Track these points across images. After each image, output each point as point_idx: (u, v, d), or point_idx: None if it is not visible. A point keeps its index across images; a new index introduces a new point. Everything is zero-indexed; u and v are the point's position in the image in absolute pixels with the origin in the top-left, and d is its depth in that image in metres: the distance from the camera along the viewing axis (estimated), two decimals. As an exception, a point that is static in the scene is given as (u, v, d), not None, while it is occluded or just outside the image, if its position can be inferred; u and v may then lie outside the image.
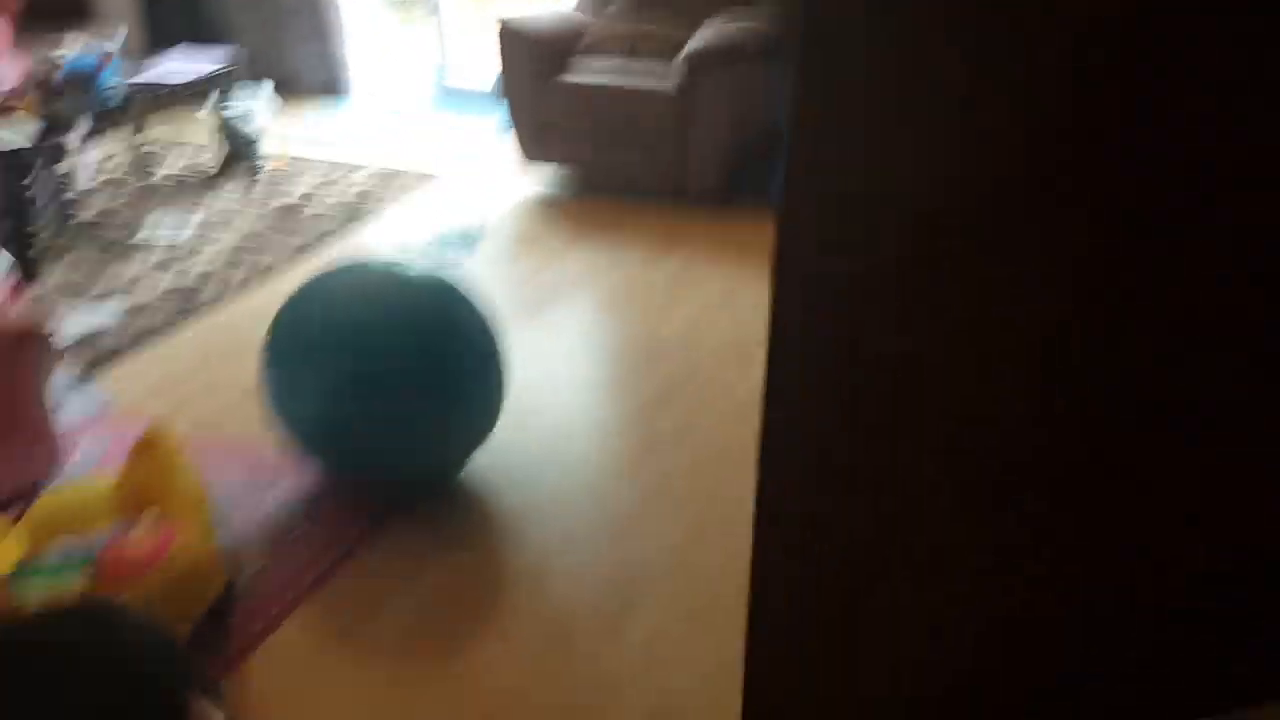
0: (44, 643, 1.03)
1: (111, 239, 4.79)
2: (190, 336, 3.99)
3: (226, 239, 4.77)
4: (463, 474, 3.12)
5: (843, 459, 1.18)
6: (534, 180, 5.34)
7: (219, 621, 2.50)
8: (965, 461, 1.14)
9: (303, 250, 4.65)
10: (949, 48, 0.94)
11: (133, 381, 3.71)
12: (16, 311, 3.04)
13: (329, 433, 2.84)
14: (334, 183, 5.42)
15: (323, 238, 4.78)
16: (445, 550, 2.83)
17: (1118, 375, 1.03)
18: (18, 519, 2.70)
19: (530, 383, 3.57)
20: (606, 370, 3.73)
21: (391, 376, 2.73)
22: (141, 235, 4.82)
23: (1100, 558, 1.15)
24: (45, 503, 2.70)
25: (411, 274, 2.91)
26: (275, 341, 2.88)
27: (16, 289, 3.44)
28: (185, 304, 4.20)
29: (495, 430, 3.02)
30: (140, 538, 2.41)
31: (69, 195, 4.96)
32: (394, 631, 2.57)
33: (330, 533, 2.91)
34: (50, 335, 3.04)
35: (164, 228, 4.89)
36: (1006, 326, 1.04)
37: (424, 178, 5.47)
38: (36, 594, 2.25)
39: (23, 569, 2.33)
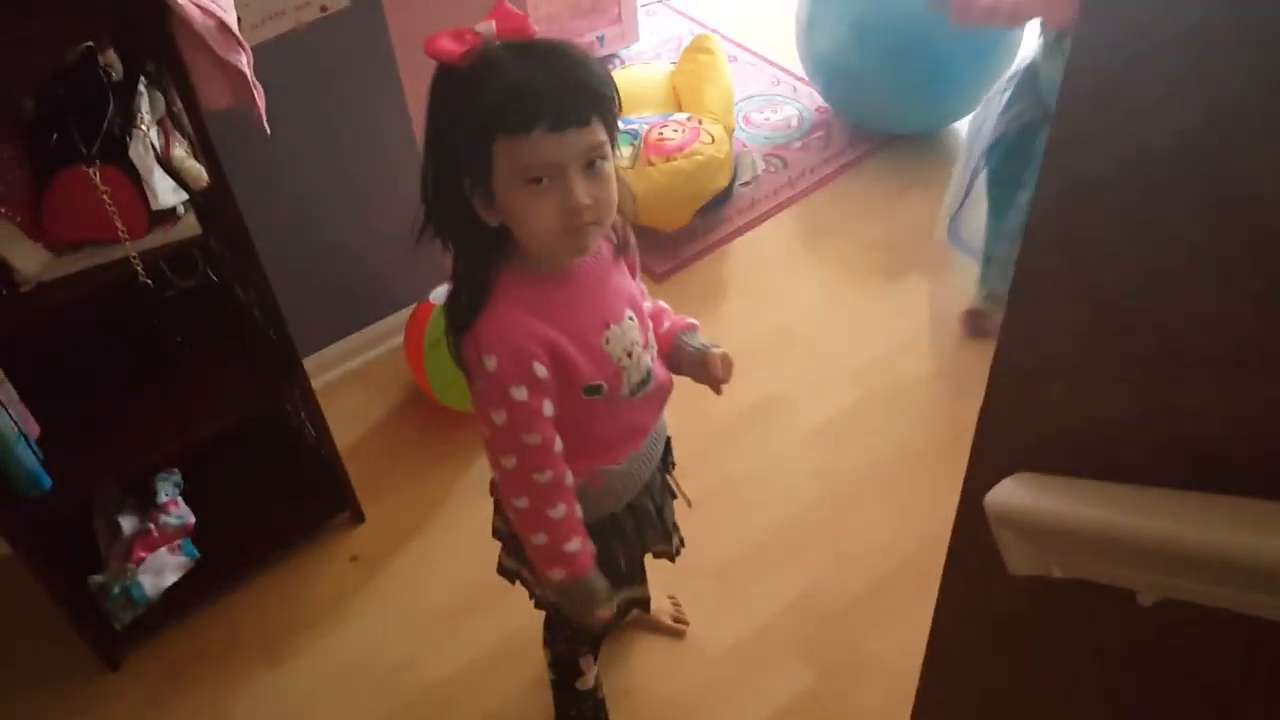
0: None
1: None
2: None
3: None
4: (950, 130, 3.39)
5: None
6: None
7: (717, 210, 3.13)
8: None
9: None
10: None
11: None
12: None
13: (843, 75, 3.22)
14: None
15: None
16: (915, 190, 3.20)
17: None
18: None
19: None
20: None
21: (908, 41, 3.00)
22: None
23: None
24: (614, 80, 3.41)
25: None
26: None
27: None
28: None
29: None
30: (676, 127, 3.02)
31: None
32: (856, 247, 3.06)
33: (823, 157, 3.38)
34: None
35: None
36: None
37: None
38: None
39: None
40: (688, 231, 3.09)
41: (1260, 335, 0.74)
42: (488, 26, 1.21)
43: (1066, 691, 1.17)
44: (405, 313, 2.67)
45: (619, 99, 1.26)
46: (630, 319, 1.42)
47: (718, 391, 1.52)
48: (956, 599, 1.28)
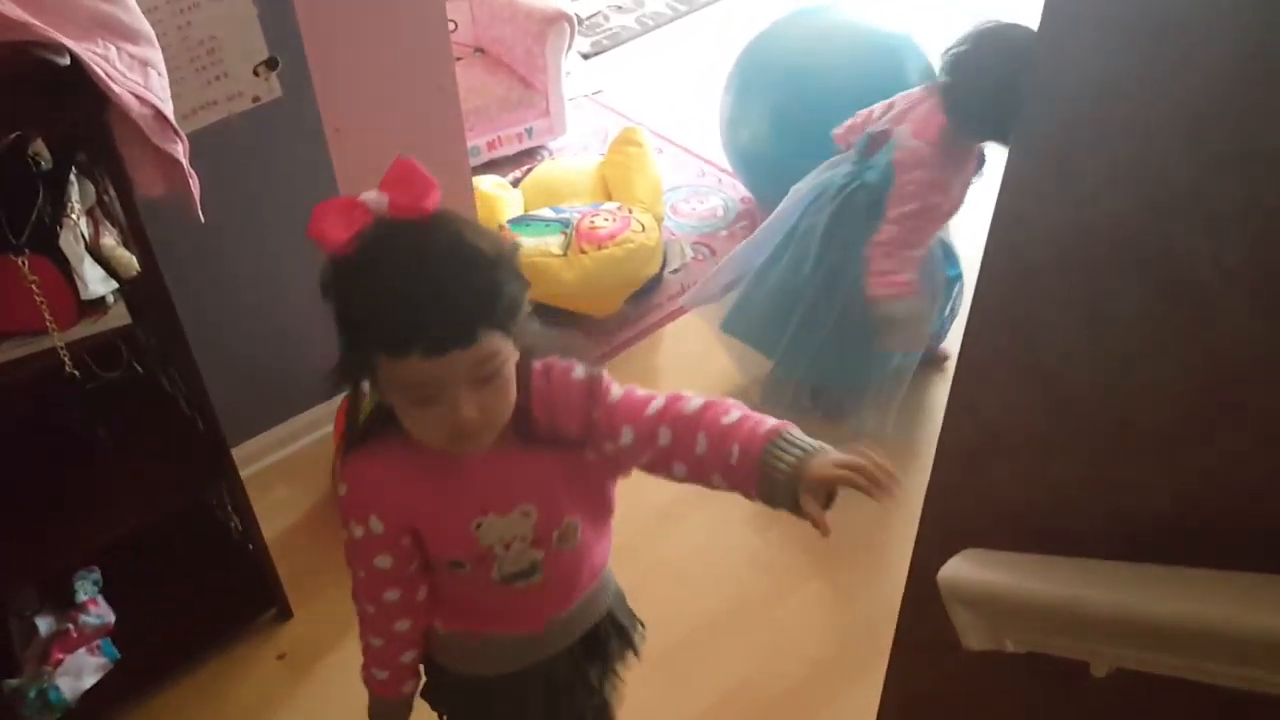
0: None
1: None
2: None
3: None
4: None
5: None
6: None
7: (647, 297, 3.16)
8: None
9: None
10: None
11: (619, 72, 4.33)
12: None
13: (765, 165, 3.31)
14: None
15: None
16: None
17: None
18: (516, 182, 3.48)
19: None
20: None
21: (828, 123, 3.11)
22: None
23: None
24: (541, 172, 3.45)
25: (873, 26, 3.18)
26: (739, 70, 3.33)
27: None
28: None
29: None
30: (607, 215, 3.07)
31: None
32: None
33: (749, 245, 3.45)
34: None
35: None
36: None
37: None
38: (526, 239, 3.00)
39: (517, 221, 3.09)
40: (619, 318, 3.12)
41: (1197, 410, 0.77)
42: (378, 200, 1.07)
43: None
44: (334, 402, 2.63)
45: (521, 292, 1.11)
46: (524, 514, 1.26)
47: (823, 532, 1.07)
48: (905, 677, 1.29)
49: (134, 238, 1.78)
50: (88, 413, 2.12)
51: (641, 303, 3.16)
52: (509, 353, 1.11)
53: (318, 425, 2.75)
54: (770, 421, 1.15)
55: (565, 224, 3.03)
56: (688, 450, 1.18)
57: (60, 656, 2.07)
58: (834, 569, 2.41)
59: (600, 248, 2.98)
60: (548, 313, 2.99)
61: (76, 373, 1.75)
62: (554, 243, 3.00)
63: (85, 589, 2.17)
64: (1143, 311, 0.76)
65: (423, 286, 1.02)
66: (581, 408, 1.22)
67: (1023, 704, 1.11)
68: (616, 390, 1.24)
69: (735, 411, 1.18)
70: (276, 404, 2.70)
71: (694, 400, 1.21)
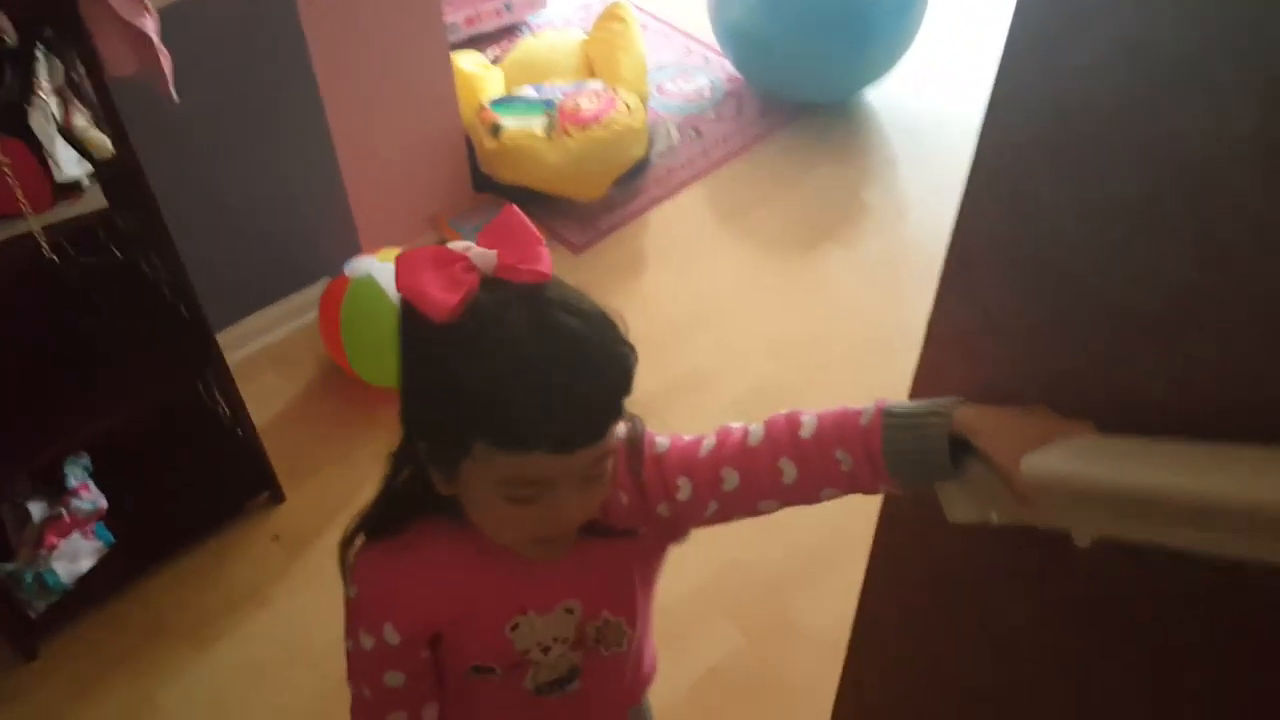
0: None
1: None
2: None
3: None
4: (861, 98, 3.44)
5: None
6: None
7: (633, 180, 3.12)
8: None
9: None
10: None
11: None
12: None
13: (755, 42, 3.23)
14: None
15: None
16: (827, 163, 3.24)
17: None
18: (496, 60, 3.39)
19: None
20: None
21: (820, 5, 3.03)
22: None
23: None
24: (522, 50, 3.36)
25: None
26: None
27: None
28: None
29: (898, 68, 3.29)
30: (591, 96, 3.00)
31: None
32: (771, 218, 3.09)
33: (737, 126, 3.40)
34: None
35: None
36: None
37: None
38: (510, 122, 2.94)
39: (499, 102, 3.02)
40: (605, 202, 3.08)
41: (1197, 291, 0.77)
42: (484, 258, 0.87)
43: (1002, 648, 1.20)
44: (319, 286, 2.62)
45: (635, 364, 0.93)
46: (568, 611, 1.08)
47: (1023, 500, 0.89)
48: (890, 556, 1.31)
49: (106, 118, 1.73)
50: (70, 302, 2.10)
51: (628, 186, 3.12)
52: (617, 449, 0.95)
53: (301, 311, 2.73)
54: (860, 408, 1.00)
55: (549, 104, 2.97)
56: (772, 485, 1.03)
57: (54, 541, 2.09)
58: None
59: (585, 129, 2.92)
60: (533, 197, 2.96)
61: (55, 257, 1.73)
62: (538, 124, 2.94)
63: (75, 475, 2.18)
64: (1141, 190, 0.74)
65: (560, 373, 0.85)
66: (627, 472, 1.02)
67: (1006, 583, 1.13)
68: (662, 441, 1.07)
69: (807, 418, 1.03)
70: (257, 290, 2.68)
71: (751, 429, 1.05)
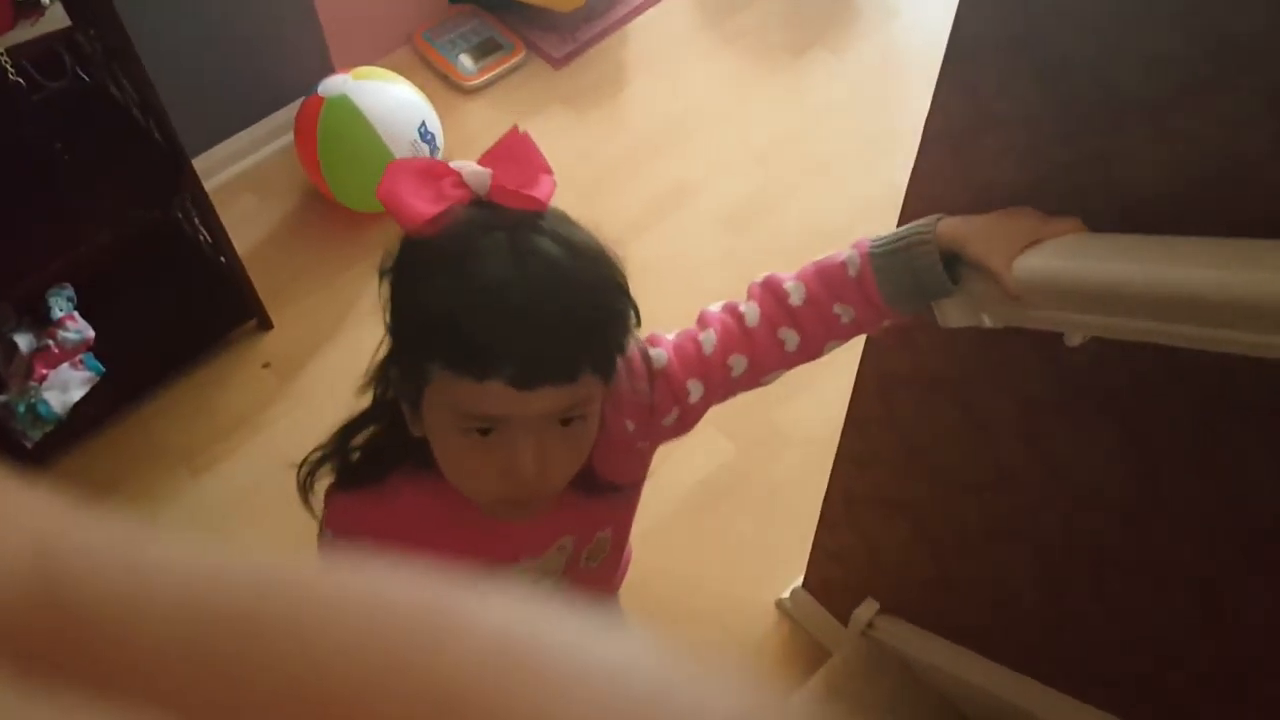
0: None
1: None
2: None
3: None
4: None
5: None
6: None
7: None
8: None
9: None
10: None
11: None
12: None
13: None
14: None
15: None
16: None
17: None
18: None
19: None
20: None
21: None
22: None
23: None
24: None
25: None
26: None
27: None
28: None
29: None
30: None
31: None
32: (756, 23, 2.99)
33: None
34: None
35: None
36: None
37: None
38: None
39: None
40: (585, 11, 2.96)
41: (1198, 75, 0.75)
42: (477, 176, 0.81)
43: (987, 440, 1.23)
44: (293, 107, 2.54)
45: (634, 318, 0.88)
46: (561, 549, 1.04)
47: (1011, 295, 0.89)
48: (879, 358, 1.33)
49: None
50: (39, 129, 2.03)
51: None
52: (598, 403, 0.86)
53: (281, 131, 2.66)
54: (839, 258, 0.98)
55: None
56: (779, 357, 1.01)
57: (44, 371, 2.09)
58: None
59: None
60: (510, 5, 2.84)
61: (21, 80, 1.66)
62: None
63: (60, 305, 2.17)
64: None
65: (528, 298, 0.77)
66: (633, 397, 0.96)
67: (993, 382, 1.15)
68: (658, 354, 1.00)
69: (790, 284, 0.99)
70: (235, 111, 2.60)
71: (744, 310, 1.01)
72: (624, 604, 1.34)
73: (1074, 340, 0.89)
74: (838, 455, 1.54)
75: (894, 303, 0.95)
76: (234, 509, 2.15)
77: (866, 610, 1.71)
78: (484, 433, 0.81)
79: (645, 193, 2.54)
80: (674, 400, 1.00)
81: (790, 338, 0.99)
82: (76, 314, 2.19)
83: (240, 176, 2.65)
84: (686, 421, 1.03)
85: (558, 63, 2.89)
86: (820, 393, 2.15)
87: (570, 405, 0.81)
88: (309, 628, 0.19)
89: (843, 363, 1.28)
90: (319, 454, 0.99)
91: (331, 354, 2.34)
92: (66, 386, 2.12)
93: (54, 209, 2.00)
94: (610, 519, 1.08)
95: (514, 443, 0.81)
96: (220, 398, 2.31)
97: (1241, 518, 0.98)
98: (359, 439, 0.98)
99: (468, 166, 0.82)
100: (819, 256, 1.01)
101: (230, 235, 2.21)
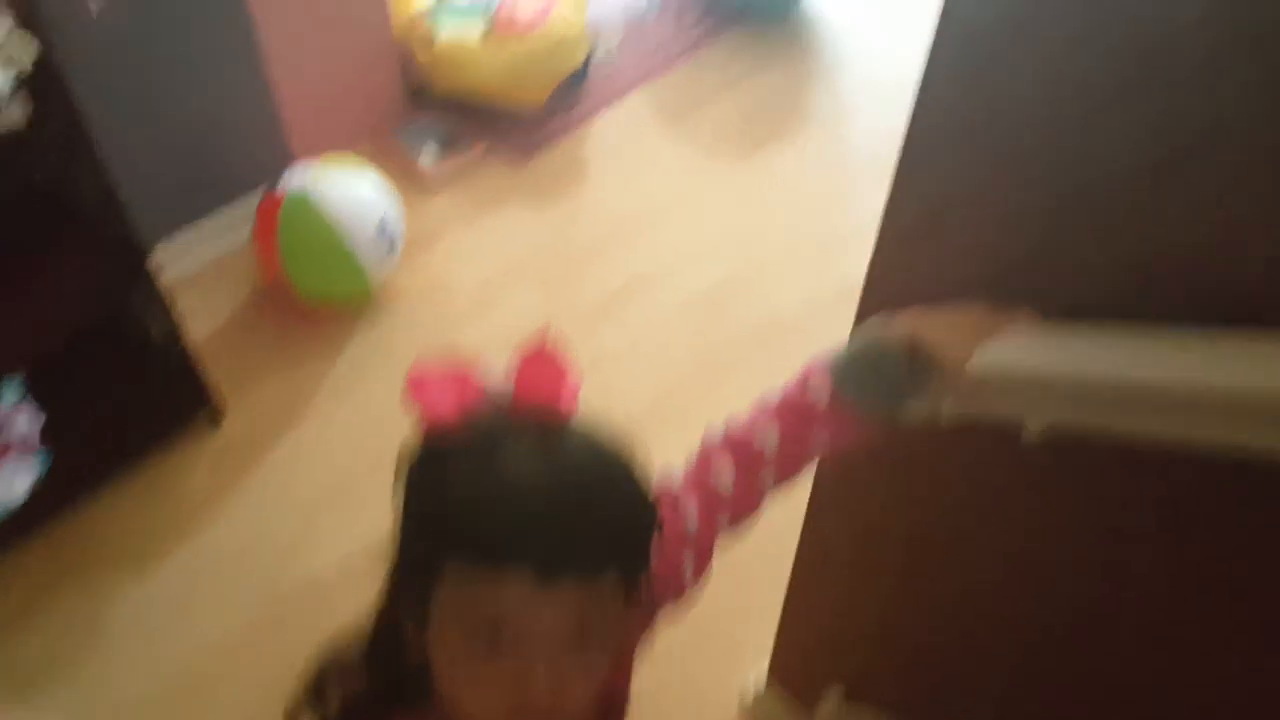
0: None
1: None
2: None
3: None
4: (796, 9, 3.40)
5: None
6: None
7: (574, 88, 3.07)
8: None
9: None
10: None
11: None
12: None
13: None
14: None
15: None
16: (771, 67, 3.21)
17: None
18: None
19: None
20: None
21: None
22: None
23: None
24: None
25: None
26: None
27: None
28: None
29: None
30: (529, 2, 2.92)
31: None
32: (714, 122, 3.07)
33: (678, 30, 3.34)
34: None
35: None
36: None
37: None
38: (445, 30, 2.86)
39: (439, 6, 2.93)
40: (546, 111, 3.02)
41: (1158, 162, 0.77)
42: (501, 388, 0.81)
43: (950, 526, 1.23)
44: (252, 198, 2.55)
45: (657, 524, 0.82)
46: None
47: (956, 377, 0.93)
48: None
49: (26, 24, 1.65)
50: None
51: (569, 93, 3.06)
52: (619, 622, 0.80)
53: (238, 223, 2.66)
54: (801, 388, 0.99)
55: (485, 9, 2.89)
56: (761, 495, 1.01)
57: (-8, 464, 2.04)
58: (765, 358, 2.45)
59: (523, 36, 2.85)
60: (471, 107, 2.89)
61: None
62: (474, 31, 2.86)
63: (9, 395, 2.13)
64: (1100, 67, 0.75)
65: (555, 491, 0.75)
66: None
67: (957, 468, 1.15)
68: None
69: (759, 436, 1.00)
70: (194, 202, 2.61)
71: (717, 472, 1.00)
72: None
73: (1031, 435, 0.91)
74: (800, 542, 1.54)
75: (871, 416, 0.96)
76: (187, 601, 2.09)
77: (833, 698, 1.68)
78: (493, 646, 0.76)
79: (605, 284, 2.56)
80: (674, 586, 0.98)
81: (769, 478, 0.99)
82: (26, 405, 2.15)
83: (198, 266, 2.64)
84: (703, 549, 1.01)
85: (519, 159, 2.94)
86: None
87: (588, 611, 0.76)
88: None
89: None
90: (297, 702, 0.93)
91: (283, 448, 2.31)
92: (14, 479, 2.07)
93: (7, 302, 1.98)
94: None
95: (530, 657, 0.76)
96: (172, 489, 2.26)
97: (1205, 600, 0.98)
98: (337, 693, 0.92)
99: (493, 376, 0.81)
100: (773, 348, 1.02)
101: (185, 326, 2.19)
